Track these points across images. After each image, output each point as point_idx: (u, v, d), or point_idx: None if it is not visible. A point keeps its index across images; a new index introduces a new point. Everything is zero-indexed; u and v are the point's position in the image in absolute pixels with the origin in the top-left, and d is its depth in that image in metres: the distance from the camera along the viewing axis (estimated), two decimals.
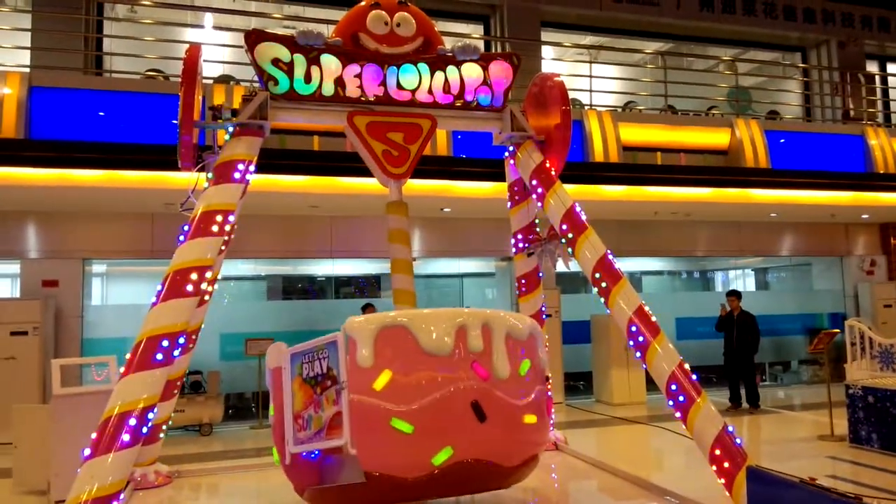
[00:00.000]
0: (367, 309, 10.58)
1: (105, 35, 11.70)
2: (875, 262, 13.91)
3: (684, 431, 4.74)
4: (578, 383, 12.83)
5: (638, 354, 4.82)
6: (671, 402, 4.62)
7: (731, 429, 4.49)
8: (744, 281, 17.21)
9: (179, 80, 4.44)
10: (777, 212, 12.11)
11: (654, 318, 4.81)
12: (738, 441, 4.45)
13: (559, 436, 6.66)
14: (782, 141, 12.44)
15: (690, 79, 13.94)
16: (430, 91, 5.10)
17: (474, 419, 3.53)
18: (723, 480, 4.35)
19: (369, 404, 3.57)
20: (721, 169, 11.81)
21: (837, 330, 9.35)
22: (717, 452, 4.38)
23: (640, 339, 4.71)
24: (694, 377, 4.66)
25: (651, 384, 9.17)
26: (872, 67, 16.20)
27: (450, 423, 3.55)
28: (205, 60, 4.96)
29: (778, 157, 12.20)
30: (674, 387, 4.56)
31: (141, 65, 11.57)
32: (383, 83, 4.95)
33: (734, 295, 11.08)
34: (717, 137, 12.37)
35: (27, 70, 9.68)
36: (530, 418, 3.76)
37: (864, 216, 12.96)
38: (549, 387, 4.36)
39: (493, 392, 3.59)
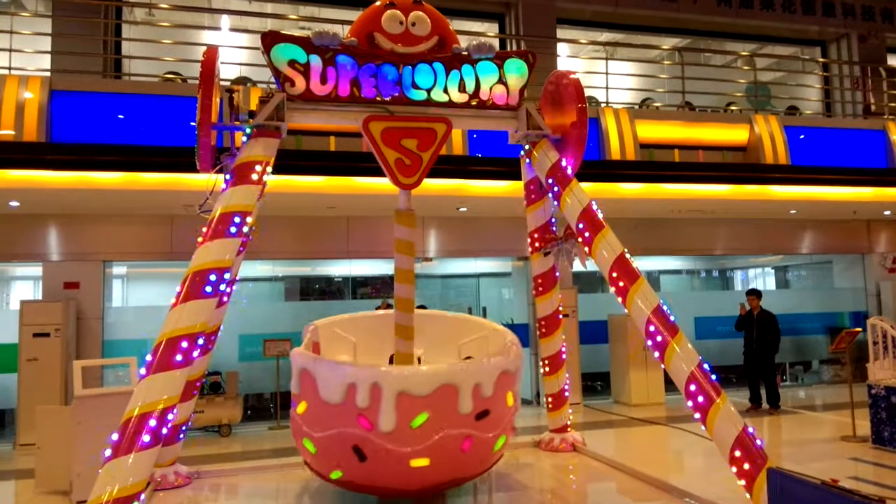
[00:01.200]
0: (383, 307, 10.62)
1: (124, 39, 11.83)
2: None
3: (703, 432, 4.69)
4: (596, 384, 12.77)
5: (656, 354, 4.77)
6: (690, 403, 4.57)
7: (751, 430, 4.43)
8: (764, 279, 17.03)
9: (197, 82, 4.46)
10: (797, 209, 11.97)
11: (672, 318, 4.77)
12: (758, 442, 4.39)
13: (577, 437, 6.62)
14: (802, 137, 12.29)
15: (708, 75, 13.81)
16: (445, 90, 5.09)
17: (356, 457, 4.23)
18: (743, 482, 4.30)
19: (296, 423, 4.62)
20: (740, 165, 11.69)
21: (859, 329, 9.22)
22: (737, 454, 4.33)
23: (659, 338, 4.67)
24: (713, 377, 4.61)
25: (670, 384, 9.10)
26: (894, 61, 15.95)
27: (338, 455, 4.34)
28: (222, 63, 4.99)
29: (798, 153, 12.06)
30: (693, 387, 4.51)
31: (159, 68, 11.67)
32: (399, 82, 4.94)
33: (754, 294, 10.96)
34: (735, 134, 12.25)
35: (48, 74, 9.80)
36: (419, 462, 4.17)
37: (887, 212, 12.76)
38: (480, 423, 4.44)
39: (374, 440, 4.14)
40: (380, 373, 4.22)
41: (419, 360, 5.42)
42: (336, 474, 4.46)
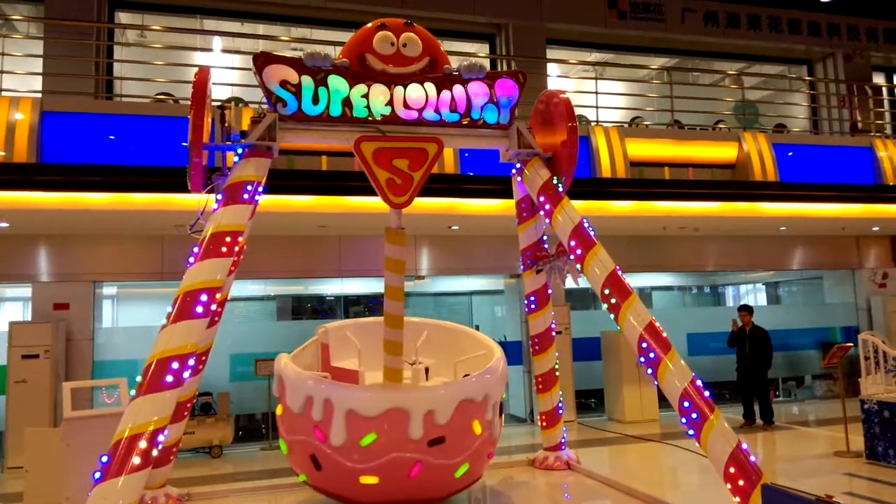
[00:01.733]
0: None
1: (115, 60, 11.87)
2: (887, 274, 13.79)
3: (698, 449, 4.68)
4: (590, 401, 12.74)
5: (649, 371, 4.77)
6: (684, 420, 4.56)
7: (745, 446, 4.43)
8: (755, 295, 17.10)
9: (189, 103, 4.47)
10: (786, 225, 12.06)
11: (664, 334, 4.77)
12: (752, 458, 4.39)
13: (571, 455, 6.59)
14: (790, 154, 12.42)
15: (696, 93, 14.00)
16: (436, 110, 5.12)
17: (313, 465, 4.37)
18: (738, 499, 4.28)
19: (278, 422, 4.76)
20: (729, 183, 11.79)
21: (851, 344, 9.26)
22: (732, 470, 4.31)
23: (651, 355, 4.66)
24: (707, 394, 4.61)
25: (663, 401, 9.10)
26: (879, 79, 16.19)
27: (301, 460, 4.50)
28: (214, 83, 5.00)
29: (786, 170, 12.18)
30: (686, 404, 4.50)
31: (151, 89, 11.71)
32: (390, 102, 4.97)
33: (746, 310, 11.00)
34: (724, 151, 12.37)
35: (39, 95, 9.81)
36: (368, 479, 4.21)
37: (875, 228, 12.88)
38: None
39: (326, 452, 4.25)
40: (332, 389, 4.36)
41: (427, 371, 5.35)
42: (302, 477, 4.70)
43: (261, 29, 13.38)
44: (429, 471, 4.26)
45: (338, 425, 4.18)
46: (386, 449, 4.19)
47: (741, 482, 4.26)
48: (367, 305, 13.86)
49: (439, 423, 4.25)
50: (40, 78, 10.58)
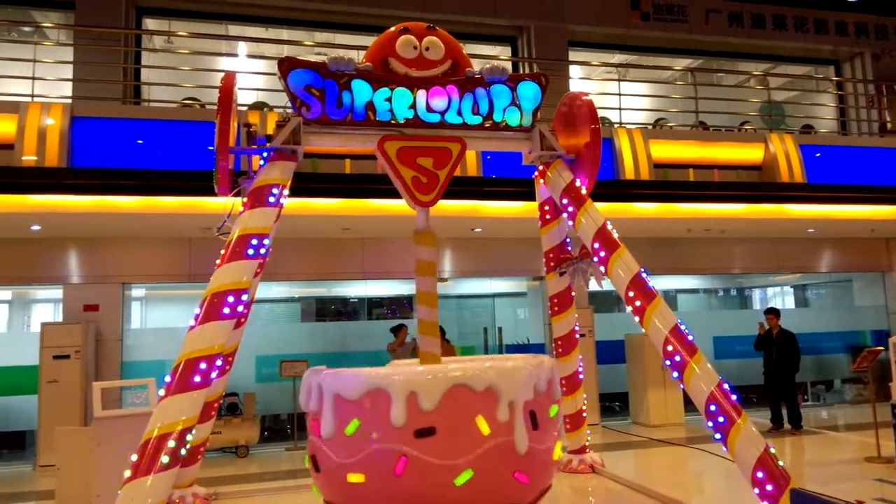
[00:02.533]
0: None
1: (143, 66, 12.07)
2: None
3: (724, 453, 4.63)
4: (614, 404, 12.65)
5: (675, 374, 4.73)
6: (710, 424, 4.52)
7: (773, 450, 4.38)
8: (783, 298, 16.86)
9: (215, 107, 4.54)
10: (814, 227, 11.88)
11: (690, 337, 4.74)
12: (780, 463, 4.34)
13: (595, 458, 6.56)
14: (818, 155, 12.24)
15: (721, 95, 13.86)
16: (459, 112, 5.14)
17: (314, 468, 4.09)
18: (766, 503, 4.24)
19: None
20: (755, 184, 11.65)
21: (881, 347, 9.09)
22: (759, 475, 4.26)
23: (677, 358, 4.63)
24: (734, 397, 4.57)
25: (689, 405, 9.01)
26: None
27: (311, 466, 4.18)
28: (239, 88, 5.07)
29: (814, 171, 12.00)
30: (713, 407, 4.46)
31: (178, 94, 11.89)
32: (413, 106, 5.00)
33: (773, 313, 10.84)
34: (750, 153, 12.22)
35: (69, 101, 10.01)
36: (355, 477, 3.81)
37: None
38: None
39: (321, 447, 3.95)
40: (323, 375, 4.06)
41: None
42: (314, 489, 4.39)
43: (285, 34, 13.51)
44: (418, 469, 3.75)
45: (327, 413, 3.96)
46: (368, 437, 3.80)
47: (769, 487, 4.22)
48: (390, 308, 13.92)
49: (424, 408, 3.74)
50: (70, 84, 10.79)
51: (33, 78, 9.88)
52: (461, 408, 3.79)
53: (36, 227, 9.19)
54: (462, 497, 3.84)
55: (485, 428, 3.80)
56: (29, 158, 8.97)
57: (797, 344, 10.56)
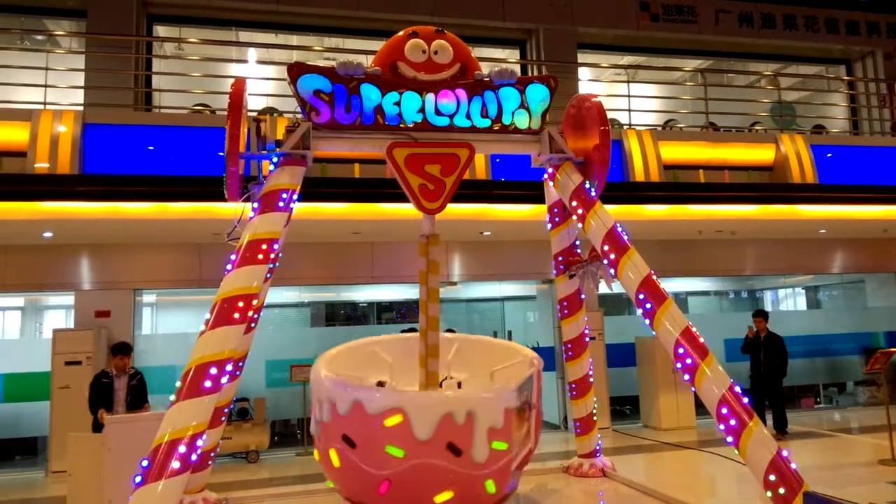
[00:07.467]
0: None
1: (154, 73, 12.15)
2: None
3: (735, 456, 4.60)
4: (625, 408, 12.59)
5: (686, 377, 4.70)
6: (722, 427, 4.49)
7: (785, 453, 4.34)
8: (794, 300, 16.74)
9: (225, 113, 4.56)
10: (826, 228, 11.80)
11: (701, 340, 4.71)
12: (793, 466, 4.30)
13: (606, 462, 6.53)
14: (829, 155, 12.15)
15: (731, 95, 13.78)
16: (468, 115, 5.14)
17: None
18: None
19: None
20: (766, 185, 11.58)
21: (894, 349, 9.01)
22: (772, 478, 4.23)
23: (688, 361, 4.60)
24: (745, 400, 4.53)
25: (700, 408, 8.96)
26: None
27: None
28: (249, 94, 5.09)
29: (825, 171, 11.91)
30: (724, 410, 4.43)
31: (188, 100, 11.95)
32: (422, 109, 5.00)
33: (761, 316, 10.79)
34: (761, 153, 12.15)
35: (81, 108, 10.09)
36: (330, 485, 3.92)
37: None
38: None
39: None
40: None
41: (459, 385, 5.31)
42: (329, 483, 4.44)
43: (294, 40, 13.58)
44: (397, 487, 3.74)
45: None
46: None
47: (782, 490, 4.18)
48: (400, 311, 13.92)
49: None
50: (82, 91, 10.88)
51: (45, 86, 9.96)
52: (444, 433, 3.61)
53: (48, 234, 9.26)
54: None
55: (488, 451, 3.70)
56: (41, 166, 9.05)
57: (784, 347, 10.50)
